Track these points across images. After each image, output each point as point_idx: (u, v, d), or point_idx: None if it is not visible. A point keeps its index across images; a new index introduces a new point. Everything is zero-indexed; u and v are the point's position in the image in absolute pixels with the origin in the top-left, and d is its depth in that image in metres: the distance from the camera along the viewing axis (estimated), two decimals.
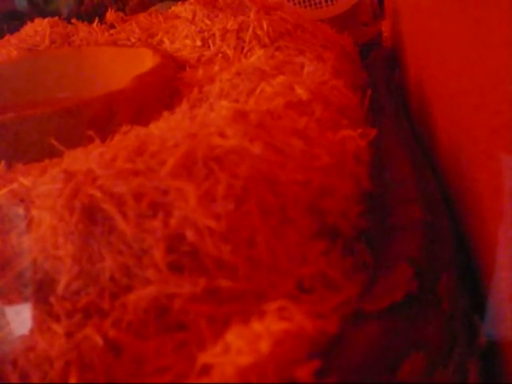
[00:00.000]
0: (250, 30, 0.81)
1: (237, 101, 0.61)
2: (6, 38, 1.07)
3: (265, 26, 0.81)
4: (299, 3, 1.10)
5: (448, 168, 0.55)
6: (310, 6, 1.11)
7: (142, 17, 1.00)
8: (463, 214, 0.48)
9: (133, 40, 0.94)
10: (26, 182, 0.47)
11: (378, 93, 0.79)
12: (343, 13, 1.12)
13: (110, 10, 1.04)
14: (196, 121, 0.46)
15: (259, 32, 0.81)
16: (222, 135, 0.43)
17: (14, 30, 1.13)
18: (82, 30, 1.01)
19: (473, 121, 0.44)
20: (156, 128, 0.48)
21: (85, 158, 0.44)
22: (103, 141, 0.55)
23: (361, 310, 0.36)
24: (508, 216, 0.35)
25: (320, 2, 1.11)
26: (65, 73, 0.93)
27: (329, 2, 1.11)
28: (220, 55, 0.81)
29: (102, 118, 0.61)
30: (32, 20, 1.10)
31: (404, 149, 0.62)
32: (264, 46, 0.79)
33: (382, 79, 0.86)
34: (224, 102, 0.49)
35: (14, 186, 0.48)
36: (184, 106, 0.53)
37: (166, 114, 0.54)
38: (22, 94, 0.92)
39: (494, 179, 0.38)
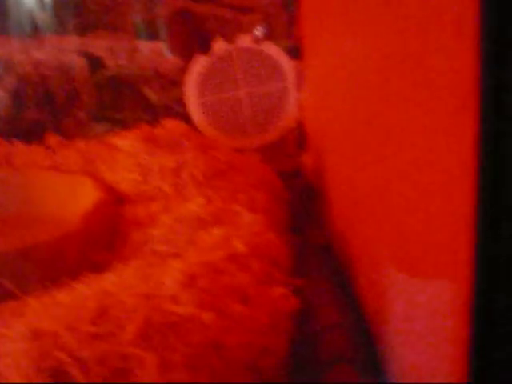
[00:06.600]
0: (187, 168, 0.87)
1: (178, 247, 0.67)
2: None
3: (200, 165, 0.88)
4: (231, 133, 1.19)
5: None
6: (241, 136, 1.19)
7: (82, 143, 1.04)
8: None
9: (74, 167, 0.98)
10: None
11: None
12: (271, 144, 1.21)
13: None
14: (151, 283, 0.51)
15: (195, 171, 0.87)
16: (176, 301, 0.49)
17: None
18: (22, 151, 1.04)
19: None
20: (111, 284, 0.53)
21: (48, 314, 0.49)
22: (54, 282, 0.60)
23: None
24: None
25: (251, 133, 1.19)
26: (7, 192, 0.96)
27: (258, 134, 1.20)
28: (157, 191, 0.87)
29: (52, 259, 0.65)
30: None
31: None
32: (199, 184, 0.86)
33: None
34: (176, 264, 0.55)
35: None
36: (136, 262, 0.59)
37: (119, 266, 0.59)
38: None
39: None
